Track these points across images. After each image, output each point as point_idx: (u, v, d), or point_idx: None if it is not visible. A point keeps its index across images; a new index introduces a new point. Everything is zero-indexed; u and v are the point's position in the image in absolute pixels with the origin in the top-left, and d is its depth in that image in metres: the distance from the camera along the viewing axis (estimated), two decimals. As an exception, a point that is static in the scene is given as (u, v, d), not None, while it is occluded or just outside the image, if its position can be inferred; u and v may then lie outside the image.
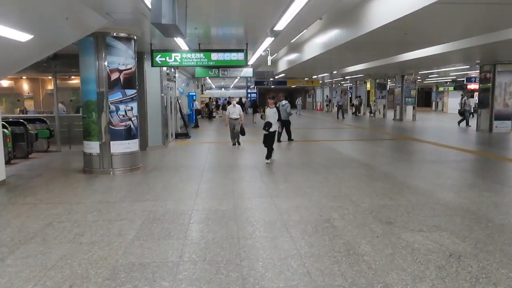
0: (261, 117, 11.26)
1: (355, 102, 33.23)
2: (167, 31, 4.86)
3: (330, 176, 7.88)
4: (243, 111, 13.81)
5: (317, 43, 12.63)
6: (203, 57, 10.25)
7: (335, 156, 10.60)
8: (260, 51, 11.97)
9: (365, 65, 19.69)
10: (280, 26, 7.78)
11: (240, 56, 10.30)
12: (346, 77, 31.13)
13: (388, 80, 30.07)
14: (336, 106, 29.77)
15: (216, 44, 10.78)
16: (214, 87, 51.00)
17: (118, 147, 8.34)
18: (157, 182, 7.43)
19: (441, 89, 41.83)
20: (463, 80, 32.36)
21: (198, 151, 11.90)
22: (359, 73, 25.34)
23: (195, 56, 10.26)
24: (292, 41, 13.19)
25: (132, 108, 8.47)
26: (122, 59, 8.20)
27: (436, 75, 30.20)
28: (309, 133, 18.41)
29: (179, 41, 9.93)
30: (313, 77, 31.72)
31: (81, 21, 6.64)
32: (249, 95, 53.49)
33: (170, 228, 4.85)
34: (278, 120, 9.53)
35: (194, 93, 24.08)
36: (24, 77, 14.62)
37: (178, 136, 15.27)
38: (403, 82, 25.48)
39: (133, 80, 8.48)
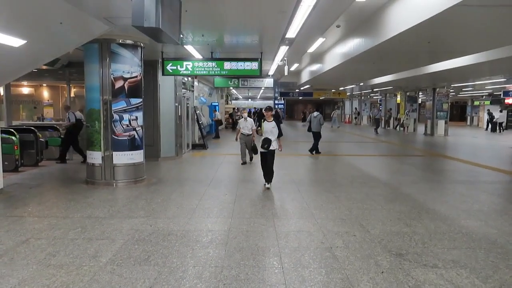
0: (257, 131, 10.76)
1: (384, 115, 32.09)
2: (154, 35, 4.45)
3: (342, 195, 7.24)
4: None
5: (337, 53, 12.05)
6: (216, 66, 9.88)
7: (354, 172, 9.91)
8: (277, 61, 11.50)
9: (394, 76, 18.87)
10: (291, 33, 7.31)
11: (254, 65, 9.87)
12: (375, 89, 30.17)
13: (420, 93, 28.93)
14: (373, 119, 27.96)
15: (230, 53, 10.41)
16: (241, 97, 50.91)
17: (121, 158, 8.01)
18: (157, 197, 7.03)
19: (476, 103, 39.97)
20: (500, 94, 30.70)
21: (211, 163, 11.48)
22: (388, 85, 24.42)
23: (207, 65, 9.90)
24: (311, 51, 12.69)
25: (137, 118, 8.15)
26: (127, 67, 7.92)
27: (471, 88, 28.78)
28: (331, 146, 17.70)
29: (191, 49, 9.62)
30: (340, 88, 30.95)
31: (79, 26, 6.37)
32: (276, 106, 53.31)
33: (151, 251, 4.39)
34: (278, 137, 7.92)
35: (217, 103, 23.85)
36: (44, 85, 14.74)
37: (194, 147, 14.94)
38: (435, 95, 24.33)
39: (138, 89, 8.18)
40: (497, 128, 29.14)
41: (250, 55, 10.02)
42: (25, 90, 14.45)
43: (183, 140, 13.76)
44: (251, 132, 10.54)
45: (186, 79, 13.95)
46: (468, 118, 42.46)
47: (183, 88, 13.12)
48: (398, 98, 31.47)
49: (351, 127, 35.32)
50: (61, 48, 7.29)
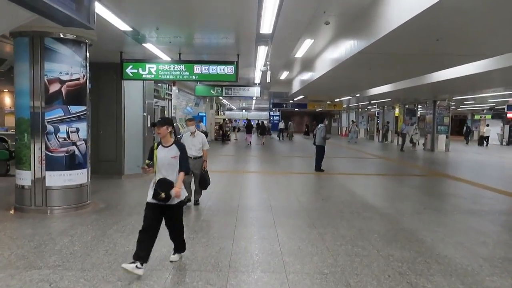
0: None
1: (382, 128, 30.65)
2: (36, 8, 2.96)
3: (328, 231, 5.70)
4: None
5: (328, 57, 10.60)
6: (184, 69, 8.42)
7: (346, 197, 8.39)
8: (259, 66, 10.05)
9: (392, 87, 17.43)
10: (266, 28, 5.89)
11: (229, 69, 8.40)
12: (373, 101, 28.77)
13: (419, 106, 27.57)
14: (399, 135, 23.95)
15: (202, 54, 8.97)
16: (235, 108, 49.53)
17: (56, 179, 6.47)
18: (89, 231, 5.48)
19: (477, 117, 38.67)
20: (504, 108, 29.37)
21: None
22: (386, 96, 23.00)
23: (174, 68, 8.43)
24: (300, 56, 11.24)
25: (78, 130, 6.62)
26: (66, 67, 6.42)
27: (473, 101, 27.41)
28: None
29: (153, 49, 8.17)
30: (336, 100, 29.56)
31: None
32: (271, 118, 51.89)
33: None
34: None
35: (204, 114, 22.41)
36: (6, 90, 13.25)
37: (171, 161, 13.39)
38: (435, 108, 22.94)
39: (81, 95, 6.67)
40: (483, 142, 29.17)
41: (226, 57, 8.58)
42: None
43: (156, 154, 12.22)
44: (200, 154, 7.07)
45: (161, 85, 12.49)
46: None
47: (155, 96, 11.65)
48: (397, 111, 30.12)
49: (347, 140, 33.78)
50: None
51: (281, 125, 31.56)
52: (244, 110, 52.43)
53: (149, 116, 10.75)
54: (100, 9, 5.63)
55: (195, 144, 6.95)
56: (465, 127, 33.42)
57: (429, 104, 23.50)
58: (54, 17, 3.18)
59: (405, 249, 4.99)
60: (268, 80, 10.73)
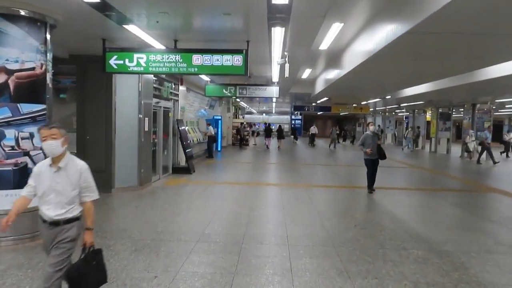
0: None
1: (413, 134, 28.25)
2: None
3: (368, 286, 3.90)
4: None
5: (358, 50, 8.75)
6: (180, 60, 6.75)
7: (385, 223, 6.55)
8: (276, 58, 8.31)
9: (427, 87, 15.35)
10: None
11: (237, 60, 6.70)
12: (402, 104, 26.55)
13: (453, 110, 25.20)
14: (477, 144, 19.64)
15: (203, 41, 7.30)
16: (255, 112, 47.89)
17: (1, 200, 4.90)
18: (40, 275, 3.86)
19: (516, 122, 35.80)
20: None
21: (180, 200, 8.33)
22: (419, 98, 20.84)
23: (168, 58, 6.78)
24: (325, 48, 9.41)
25: (31, 136, 5.04)
26: (15, 52, 4.86)
27: (514, 105, 24.86)
28: (349, 173, 14.30)
29: (144, 35, 6.56)
30: (363, 103, 27.46)
31: None
32: (293, 122, 49.91)
33: None
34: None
35: (220, 117, 20.81)
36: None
37: (176, 170, 11.78)
38: (474, 112, 20.65)
39: (37, 89, 5.10)
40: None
41: (233, 45, 6.88)
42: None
43: (157, 162, 10.65)
44: (75, 214, 3.06)
45: (165, 83, 10.90)
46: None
47: (156, 96, 10.07)
48: (428, 115, 27.83)
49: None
50: None
51: (313, 130, 28.80)
52: (264, 114, 50.72)
53: (146, 119, 9.15)
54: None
55: (61, 187, 2.98)
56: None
57: (467, 107, 21.22)
58: None
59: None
60: (287, 74, 8.93)
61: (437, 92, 15.62)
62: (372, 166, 9.09)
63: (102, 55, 6.94)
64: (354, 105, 28.97)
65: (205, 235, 5.52)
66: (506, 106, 25.35)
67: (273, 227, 6.07)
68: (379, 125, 38.67)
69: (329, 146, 25.94)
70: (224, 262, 4.47)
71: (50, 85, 5.30)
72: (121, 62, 6.84)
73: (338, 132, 27.53)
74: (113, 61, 6.83)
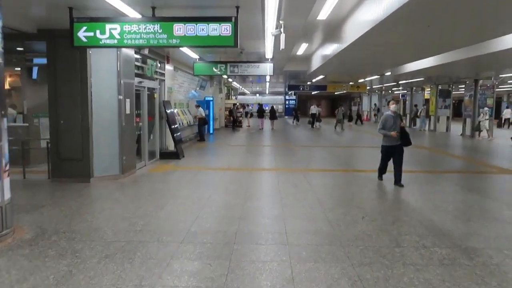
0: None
1: (410, 112, 27.46)
2: None
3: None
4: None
5: (360, 19, 7.82)
6: (160, 30, 5.86)
7: (396, 212, 5.82)
8: (270, 28, 7.39)
9: (430, 62, 14.48)
10: None
11: (225, 29, 5.81)
12: (400, 82, 25.66)
13: (453, 87, 24.37)
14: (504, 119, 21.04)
15: (185, 8, 6.36)
16: (248, 92, 46.83)
17: None
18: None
19: (514, 98, 35.11)
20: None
21: (167, 189, 7.54)
22: (418, 75, 19.99)
23: (145, 28, 5.87)
24: (323, 18, 8.49)
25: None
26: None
27: (514, 81, 24.09)
28: (350, 154, 13.56)
29: (115, 2, 5.61)
30: (360, 80, 26.54)
31: None
32: (287, 102, 48.87)
33: None
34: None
35: (211, 98, 19.89)
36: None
37: (164, 156, 10.95)
38: (477, 88, 19.88)
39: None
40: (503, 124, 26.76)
41: (220, 12, 5.97)
42: None
43: (143, 147, 9.82)
44: None
45: (149, 61, 9.94)
46: (503, 117, 37.43)
47: (138, 75, 9.15)
48: (426, 93, 27.02)
49: (370, 125, 30.83)
50: None
51: (313, 109, 26.94)
52: (258, 95, 49.65)
53: (127, 100, 8.27)
54: None
55: None
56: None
57: (469, 83, 20.43)
58: None
59: None
60: (282, 46, 8.01)
61: (440, 66, 14.75)
62: (398, 154, 7.53)
63: (69, 27, 6.01)
64: (350, 83, 28.11)
65: (191, 233, 4.74)
66: (508, 81, 24.58)
67: (270, 222, 5.30)
68: (375, 104, 37.87)
69: (335, 128, 24.41)
70: (211, 271, 3.69)
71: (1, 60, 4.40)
72: (91, 34, 5.92)
73: (344, 111, 24.81)
74: (82, 33, 5.92)
